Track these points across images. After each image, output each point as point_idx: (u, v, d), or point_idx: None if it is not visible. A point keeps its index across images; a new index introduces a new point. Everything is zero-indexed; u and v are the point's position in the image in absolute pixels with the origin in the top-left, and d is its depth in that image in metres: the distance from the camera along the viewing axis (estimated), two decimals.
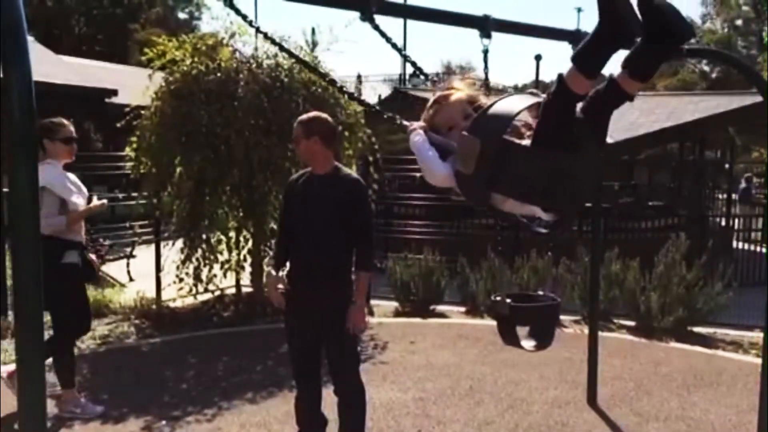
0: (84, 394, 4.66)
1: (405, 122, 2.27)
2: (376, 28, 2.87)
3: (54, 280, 4.15)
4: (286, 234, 3.72)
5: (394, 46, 2.90)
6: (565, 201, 1.93)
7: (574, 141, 1.80)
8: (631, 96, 1.74)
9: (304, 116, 3.66)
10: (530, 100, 1.97)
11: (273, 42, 2.90)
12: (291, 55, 2.99)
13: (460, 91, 2.22)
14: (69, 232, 4.37)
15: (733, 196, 15.83)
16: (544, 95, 1.89)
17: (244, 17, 2.79)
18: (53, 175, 4.27)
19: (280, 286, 3.64)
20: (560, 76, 1.75)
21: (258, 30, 3.13)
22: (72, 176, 4.51)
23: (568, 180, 1.86)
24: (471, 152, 1.90)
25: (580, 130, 1.79)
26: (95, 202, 4.67)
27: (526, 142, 1.87)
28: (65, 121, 4.39)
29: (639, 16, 1.64)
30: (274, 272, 3.67)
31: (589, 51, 1.69)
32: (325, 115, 3.70)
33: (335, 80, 3.55)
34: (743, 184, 17.26)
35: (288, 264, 3.70)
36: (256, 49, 7.01)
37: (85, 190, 4.61)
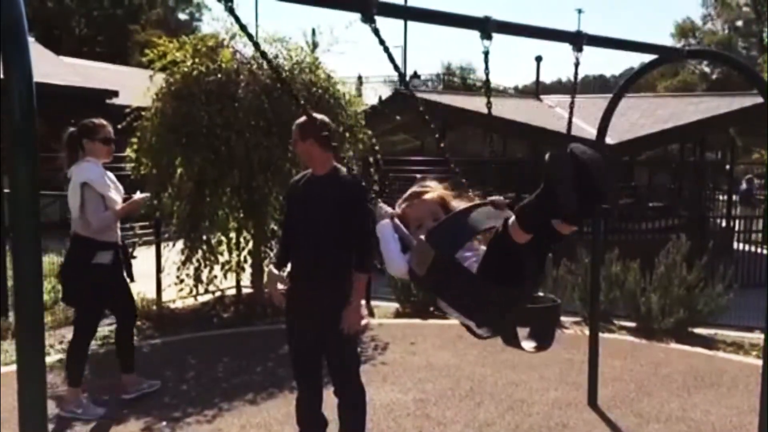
0: (86, 395, 4.66)
1: (381, 204, 2.36)
2: (376, 31, 2.87)
3: (82, 279, 4.37)
4: (288, 234, 3.75)
5: (386, 50, 2.91)
6: (497, 324, 2.16)
7: (513, 278, 1.97)
8: (566, 235, 1.89)
9: (301, 119, 3.66)
10: (493, 220, 2.07)
11: (263, 55, 2.92)
12: (272, 68, 3.06)
13: (434, 191, 2.35)
14: (103, 233, 4.44)
15: (734, 197, 15.83)
16: (507, 213, 2.05)
17: (243, 27, 2.82)
18: (94, 172, 4.39)
19: (281, 285, 3.64)
20: (506, 221, 1.88)
21: (253, 40, 3.17)
22: (110, 174, 4.61)
23: (503, 308, 2.06)
24: (424, 259, 2.02)
25: (521, 267, 1.95)
26: (138, 195, 4.78)
27: (477, 259, 2.05)
28: (104, 122, 4.53)
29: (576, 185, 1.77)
30: (275, 271, 3.67)
31: (529, 213, 1.83)
32: (321, 117, 3.69)
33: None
34: (744, 185, 17.26)
35: (289, 264, 3.71)
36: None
37: (121, 188, 4.71)
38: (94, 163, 4.44)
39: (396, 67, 2.91)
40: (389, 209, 2.31)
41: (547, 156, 1.80)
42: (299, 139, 3.58)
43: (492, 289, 1.98)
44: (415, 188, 2.38)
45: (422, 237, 2.07)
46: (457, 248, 2.04)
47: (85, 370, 4.66)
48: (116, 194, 4.55)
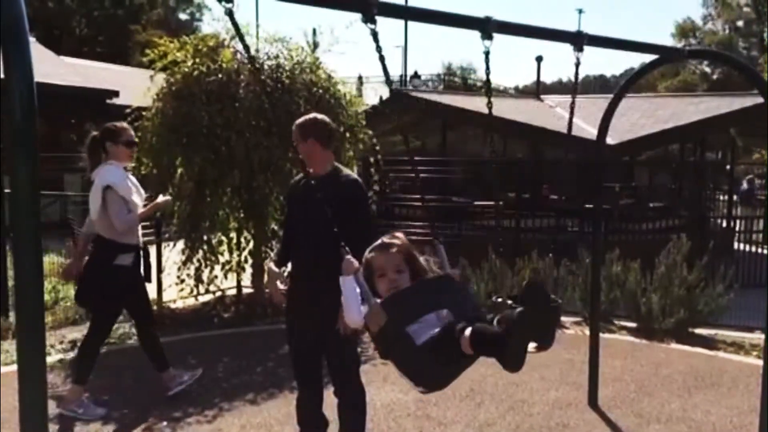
0: (87, 395, 4.67)
1: (349, 257, 2.49)
2: (374, 34, 2.87)
3: (102, 280, 4.45)
4: (288, 234, 3.77)
5: (381, 55, 2.92)
6: (433, 388, 2.38)
7: (450, 362, 2.20)
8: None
9: (302, 119, 3.66)
10: (446, 301, 2.30)
11: (251, 61, 2.99)
12: (259, 81, 3.16)
13: (402, 245, 2.48)
14: (125, 235, 4.48)
15: (734, 197, 15.83)
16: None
17: (239, 32, 2.87)
18: (117, 175, 4.45)
19: (281, 284, 3.64)
20: (462, 329, 2.07)
21: (245, 45, 3.24)
22: (132, 177, 4.69)
23: (441, 379, 2.31)
24: (377, 321, 2.21)
25: (459, 357, 2.14)
26: (161, 198, 4.84)
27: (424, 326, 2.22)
28: (126, 125, 4.62)
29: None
30: (275, 268, 3.67)
31: (482, 344, 2.03)
32: (321, 117, 3.69)
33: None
34: (744, 185, 17.25)
35: (289, 263, 3.71)
36: (257, 50, 7.02)
37: (142, 191, 4.76)
38: (116, 167, 4.50)
39: (386, 73, 2.94)
40: (355, 263, 2.43)
41: (525, 288, 2.05)
42: (300, 139, 3.57)
43: (429, 365, 2.18)
44: (384, 239, 2.52)
45: (378, 301, 2.24)
46: (406, 323, 2.19)
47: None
48: (138, 197, 4.62)
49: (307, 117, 3.70)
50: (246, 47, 3.31)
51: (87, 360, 4.58)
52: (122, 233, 4.44)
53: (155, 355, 4.83)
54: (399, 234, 2.56)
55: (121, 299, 4.64)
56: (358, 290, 2.32)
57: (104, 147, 4.49)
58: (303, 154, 3.58)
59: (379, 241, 2.51)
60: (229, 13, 2.65)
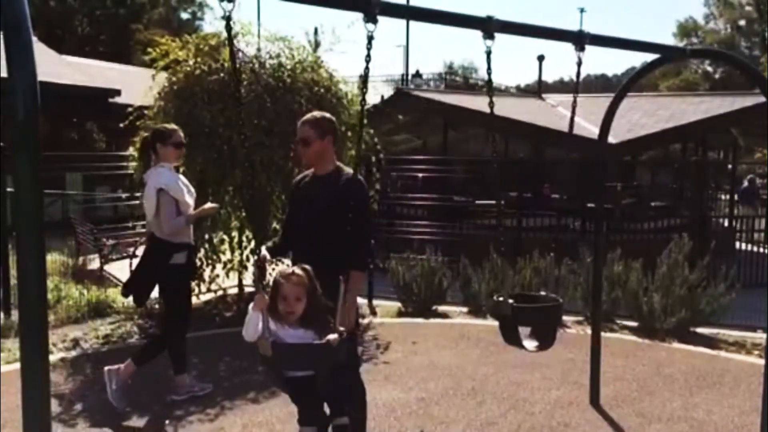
0: (194, 374, 5.03)
1: (261, 293, 2.94)
2: (370, 37, 2.89)
3: (163, 279, 4.65)
4: (288, 228, 3.79)
5: (368, 51, 2.96)
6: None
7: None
8: None
9: (315, 116, 3.61)
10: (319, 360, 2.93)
11: (234, 72, 3.11)
12: (235, 78, 3.31)
13: (306, 280, 2.91)
14: (178, 235, 4.62)
15: (736, 197, 15.81)
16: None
17: (230, 40, 2.94)
18: (168, 177, 4.57)
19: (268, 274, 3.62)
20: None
21: (233, 54, 3.35)
22: (183, 177, 4.81)
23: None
24: (265, 350, 2.87)
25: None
26: (208, 205, 4.99)
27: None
28: (176, 127, 4.73)
29: None
30: (265, 253, 3.65)
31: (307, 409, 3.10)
32: (329, 114, 3.70)
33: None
34: (745, 184, 17.23)
35: (280, 253, 3.78)
36: (258, 49, 7.02)
37: (193, 190, 4.88)
38: (167, 168, 4.61)
39: (365, 76, 3.01)
40: (265, 299, 2.88)
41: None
42: (317, 137, 3.51)
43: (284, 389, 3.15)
44: (296, 270, 2.94)
45: (271, 341, 2.84)
46: (283, 369, 3.00)
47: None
48: (190, 197, 4.74)
49: (320, 114, 3.65)
50: (232, 54, 3.42)
51: (178, 354, 4.79)
52: (172, 234, 4.59)
53: (177, 356, 4.85)
54: (308, 269, 2.94)
55: (184, 291, 4.82)
56: (260, 325, 2.84)
57: (154, 148, 4.61)
58: (315, 152, 3.54)
59: (290, 270, 2.92)
60: (227, 18, 2.67)
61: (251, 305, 2.88)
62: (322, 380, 2.95)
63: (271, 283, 2.99)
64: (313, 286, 2.88)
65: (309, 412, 3.07)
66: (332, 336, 2.82)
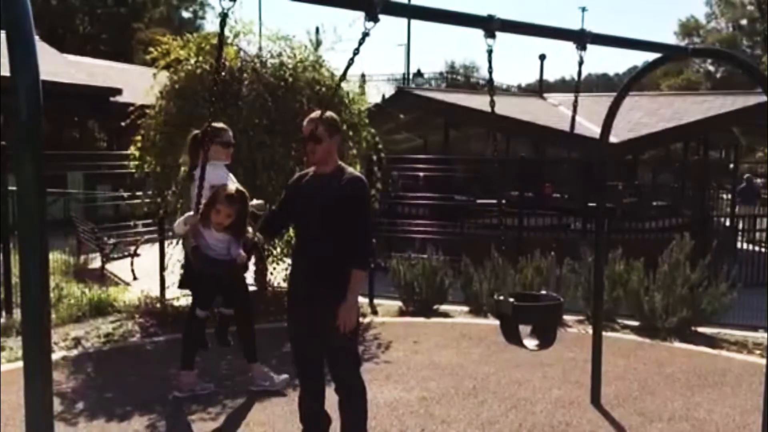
0: (267, 369, 5.07)
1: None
2: (364, 35, 2.90)
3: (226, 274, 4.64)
4: (281, 216, 3.81)
5: (355, 53, 2.99)
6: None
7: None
8: None
9: (325, 114, 3.61)
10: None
11: (218, 72, 3.27)
12: (215, 81, 3.50)
13: (242, 205, 3.61)
14: None
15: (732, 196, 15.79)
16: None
17: (221, 43, 2.99)
18: (219, 175, 4.58)
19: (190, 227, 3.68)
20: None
21: (219, 59, 3.41)
22: (231, 176, 4.83)
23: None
24: (188, 249, 3.60)
25: None
26: (255, 201, 5.05)
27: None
28: (225, 126, 4.82)
29: None
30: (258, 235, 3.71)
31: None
32: (332, 114, 3.70)
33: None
34: (743, 184, 17.20)
35: (270, 233, 3.89)
36: (260, 48, 7.02)
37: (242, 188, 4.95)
38: (218, 167, 4.63)
39: (345, 73, 3.09)
40: (197, 219, 3.45)
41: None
42: (327, 135, 3.52)
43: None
44: (239, 190, 3.54)
45: (193, 247, 3.57)
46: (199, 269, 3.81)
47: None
48: None
49: (329, 113, 3.65)
50: (218, 59, 3.57)
51: (249, 342, 4.95)
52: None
53: (246, 346, 5.01)
54: (244, 191, 3.49)
55: (245, 284, 4.97)
56: (185, 230, 3.43)
57: (203, 146, 4.62)
58: (325, 150, 3.53)
59: (229, 192, 3.52)
60: (223, 17, 2.68)
61: (186, 217, 3.39)
62: (225, 282, 3.67)
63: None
64: (244, 207, 3.44)
65: (204, 299, 3.82)
66: (240, 253, 3.46)
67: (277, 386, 4.96)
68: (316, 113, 3.62)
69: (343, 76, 3.53)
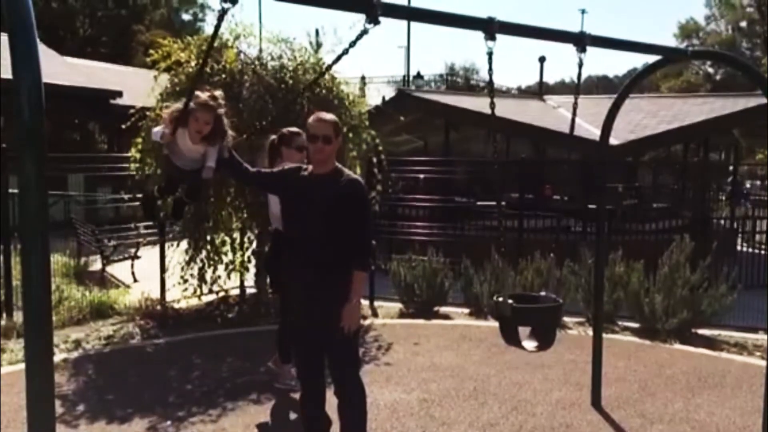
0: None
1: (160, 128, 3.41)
2: (362, 32, 2.91)
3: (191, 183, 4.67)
4: (260, 176, 3.85)
5: (346, 51, 3.04)
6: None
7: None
8: None
9: (327, 115, 3.61)
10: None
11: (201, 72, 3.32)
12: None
13: (219, 111, 3.39)
14: None
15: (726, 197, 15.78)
16: None
17: (211, 44, 3.01)
18: None
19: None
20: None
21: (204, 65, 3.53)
22: None
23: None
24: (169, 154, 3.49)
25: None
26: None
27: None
28: (300, 131, 4.83)
29: None
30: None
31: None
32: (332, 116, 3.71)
33: None
34: (730, 186, 17.17)
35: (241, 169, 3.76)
36: (260, 50, 7.02)
37: None
38: None
39: (329, 67, 3.09)
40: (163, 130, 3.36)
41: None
42: (335, 136, 3.53)
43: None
44: (209, 102, 3.33)
45: (166, 154, 3.49)
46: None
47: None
48: None
49: (333, 115, 3.68)
50: (205, 60, 3.62)
51: (282, 342, 4.99)
52: None
53: (281, 347, 5.05)
54: (218, 96, 3.38)
55: None
56: (164, 134, 3.32)
57: (279, 151, 4.78)
58: (331, 151, 3.54)
59: (206, 99, 3.31)
60: (221, 11, 2.70)
61: (161, 132, 3.35)
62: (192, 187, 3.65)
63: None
64: (220, 115, 3.38)
65: (167, 188, 3.75)
66: (208, 166, 3.42)
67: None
68: (324, 114, 3.62)
69: (331, 65, 3.59)
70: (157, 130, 3.41)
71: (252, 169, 3.79)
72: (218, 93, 3.43)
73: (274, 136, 4.90)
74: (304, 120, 3.80)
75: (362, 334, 6.33)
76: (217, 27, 2.91)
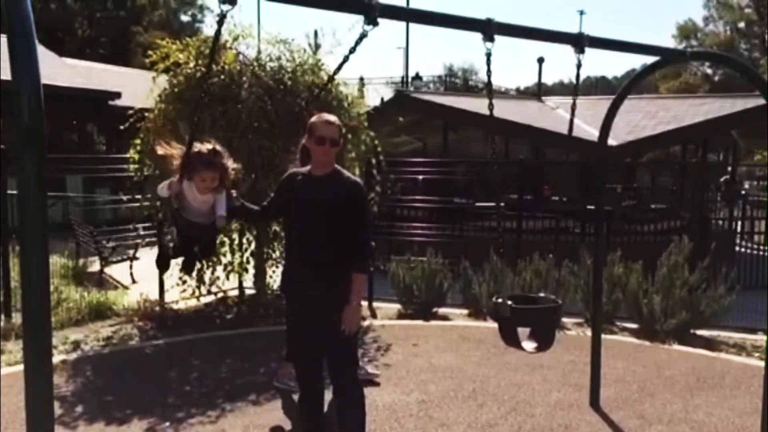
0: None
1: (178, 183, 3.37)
2: (362, 36, 2.92)
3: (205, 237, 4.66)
4: (273, 209, 3.85)
5: (349, 54, 3.03)
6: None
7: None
8: None
9: (333, 117, 3.61)
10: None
11: (208, 71, 3.13)
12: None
13: (225, 170, 3.45)
14: None
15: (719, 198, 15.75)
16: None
17: (213, 48, 3.00)
18: None
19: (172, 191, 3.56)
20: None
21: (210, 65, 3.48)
22: None
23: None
24: (171, 210, 3.54)
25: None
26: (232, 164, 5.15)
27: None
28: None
29: None
30: (242, 204, 3.69)
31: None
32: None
33: None
34: (724, 188, 17.11)
35: (249, 213, 3.86)
36: (259, 51, 7.03)
37: None
38: None
39: (334, 74, 3.07)
40: (180, 187, 3.34)
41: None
42: (340, 139, 3.56)
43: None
44: (214, 161, 3.37)
45: (175, 210, 3.45)
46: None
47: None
48: None
49: (335, 117, 3.68)
50: (210, 64, 3.91)
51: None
52: None
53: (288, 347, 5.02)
54: (221, 152, 3.40)
55: None
56: (165, 193, 3.37)
57: (309, 153, 4.74)
58: (332, 153, 3.54)
59: (211, 158, 3.35)
60: (220, 19, 2.71)
61: (170, 182, 3.36)
62: (204, 242, 3.64)
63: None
64: (225, 167, 3.42)
65: (181, 248, 3.71)
66: (222, 217, 3.42)
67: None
68: (330, 116, 3.61)
69: (336, 72, 3.57)
70: (164, 185, 3.40)
71: (258, 208, 3.82)
72: (219, 148, 3.45)
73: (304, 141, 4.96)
74: (304, 121, 3.80)
75: (361, 335, 6.33)
76: (219, 32, 2.92)
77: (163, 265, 3.98)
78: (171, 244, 3.89)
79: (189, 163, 3.29)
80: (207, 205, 3.44)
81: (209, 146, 3.41)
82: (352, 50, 3.02)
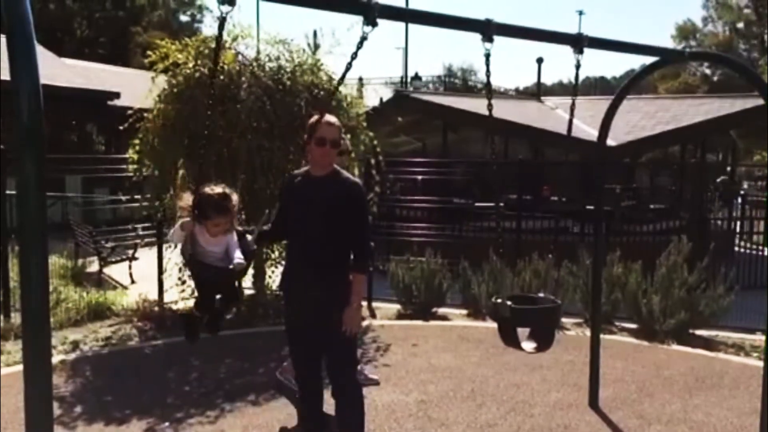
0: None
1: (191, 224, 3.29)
2: (362, 38, 2.92)
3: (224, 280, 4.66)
4: (279, 223, 3.75)
5: (355, 53, 3.04)
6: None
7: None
8: None
9: (334, 119, 3.60)
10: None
11: (213, 74, 3.22)
12: None
13: (229, 213, 3.36)
14: None
15: (738, 200, 15.78)
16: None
17: (217, 50, 3.01)
18: None
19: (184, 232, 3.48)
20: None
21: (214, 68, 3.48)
22: None
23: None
24: (185, 256, 3.45)
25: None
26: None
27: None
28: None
29: None
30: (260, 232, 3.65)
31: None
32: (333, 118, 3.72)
33: None
34: (721, 187, 17.13)
35: (271, 240, 3.81)
36: (258, 52, 7.03)
37: None
38: None
39: (340, 82, 3.06)
40: (193, 225, 3.27)
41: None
42: (340, 138, 3.57)
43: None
44: (227, 206, 3.33)
45: (189, 256, 3.36)
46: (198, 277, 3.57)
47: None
48: None
49: (335, 118, 3.68)
50: (213, 68, 3.91)
51: None
52: None
53: None
54: (230, 196, 3.34)
55: None
56: (182, 237, 3.30)
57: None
58: (332, 154, 3.54)
59: (222, 203, 3.29)
60: (221, 22, 2.72)
61: (181, 224, 3.29)
62: (223, 286, 3.51)
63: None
64: (235, 212, 3.40)
65: (203, 302, 3.61)
66: (239, 260, 3.32)
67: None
68: (332, 117, 3.61)
69: (341, 80, 3.55)
70: (176, 228, 3.34)
71: (270, 228, 3.77)
72: (227, 190, 3.39)
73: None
74: (304, 122, 3.80)
75: (360, 335, 6.33)
76: (220, 34, 2.91)
77: (192, 329, 3.85)
78: (196, 312, 3.68)
79: (200, 207, 3.23)
80: (220, 248, 3.37)
81: (219, 190, 3.35)
82: (354, 56, 3.02)
